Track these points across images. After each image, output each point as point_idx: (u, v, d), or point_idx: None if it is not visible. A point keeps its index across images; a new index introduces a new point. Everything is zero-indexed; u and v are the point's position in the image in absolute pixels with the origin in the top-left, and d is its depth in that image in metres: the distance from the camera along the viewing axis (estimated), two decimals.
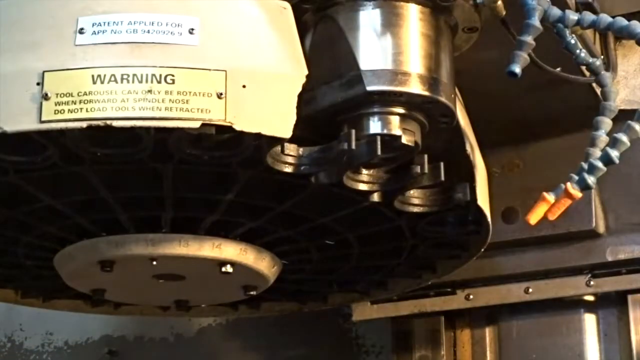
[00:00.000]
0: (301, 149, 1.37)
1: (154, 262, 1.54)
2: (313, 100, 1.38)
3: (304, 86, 1.32)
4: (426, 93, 1.40)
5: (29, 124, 1.25)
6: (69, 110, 1.24)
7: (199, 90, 1.26)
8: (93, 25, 1.29)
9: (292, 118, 1.30)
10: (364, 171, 1.44)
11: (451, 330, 2.01)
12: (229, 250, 1.56)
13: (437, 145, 1.47)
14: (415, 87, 1.39)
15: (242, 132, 1.27)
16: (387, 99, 1.39)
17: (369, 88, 1.37)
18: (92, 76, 1.25)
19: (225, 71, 1.28)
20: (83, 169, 1.37)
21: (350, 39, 1.40)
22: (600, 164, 1.37)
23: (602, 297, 1.89)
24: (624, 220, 1.84)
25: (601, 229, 1.84)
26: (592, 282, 1.85)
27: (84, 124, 1.24)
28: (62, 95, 1.25)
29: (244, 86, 1.28)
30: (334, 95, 1.39)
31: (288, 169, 1.37)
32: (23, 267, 1.71)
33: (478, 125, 1.59)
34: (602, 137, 1.40)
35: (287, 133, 1.30)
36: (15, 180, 1.40)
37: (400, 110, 1.40)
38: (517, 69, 1.35)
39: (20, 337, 2.60)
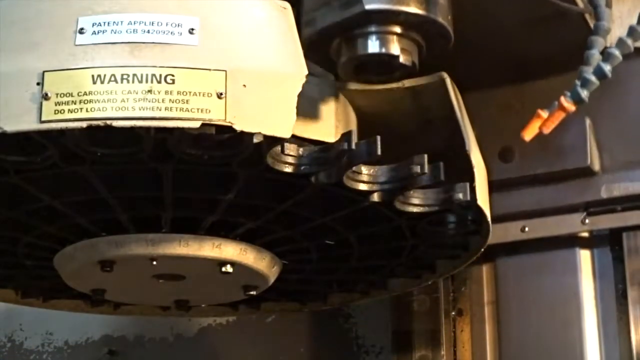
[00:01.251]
0: (301, 149, 1.37)
1: (154, 262, 1.54)
2: (313, 22, 1.40)
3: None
4: (424, 12, 1.41)
5: (29, 124, 1.25)
6: (69, 110, 1.24)
7: (199, 90, 1.26)
8: (93, 25, 1.29)
9: (292, 118, 1.30)
10: (364, 171, 1.44)
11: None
12: (229, 250, 1.56)
13: (437, 145, 1.47)
14: (413, 6, 1.40)
15: (242, 132, 1.27)
16: (385, 18, 1.40)
17: (367, 7, 1.39)
18: (92, 76, 1.25)
19: (225, 71, 1.28)
20: (83, 169, 1.37)
21: None
22: (593, 78, 1.39)
23: (597, 235, 1.90)
24: (619, 158, 1.84)
25: (596, 166, 1.85)
26: (587, 220, 1.86)
27: (84, 124, 1.24)
28: (62, 95, 1.25)
29: (244, 86, 1.28)
30: (333, 16, 1.41)
31: (288, 169, 1.37)
32: (23, 267, 1.71)
33: (476, 64, 1.59)
34: (596, 55, 1.42)
35: (287, 133, 1.30)
36: (15, 180, 1.40)
37: (398, 30, 1.41)
38: None
39: (20, 337, 2.60)
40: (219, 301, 1.89)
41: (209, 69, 1.28)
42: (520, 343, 1.92)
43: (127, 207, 1.48)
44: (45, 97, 1.25)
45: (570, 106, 1.39)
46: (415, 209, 1.52)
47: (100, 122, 1.24)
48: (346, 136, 1.34)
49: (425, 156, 1.42)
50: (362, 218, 1.54)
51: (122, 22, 1.29)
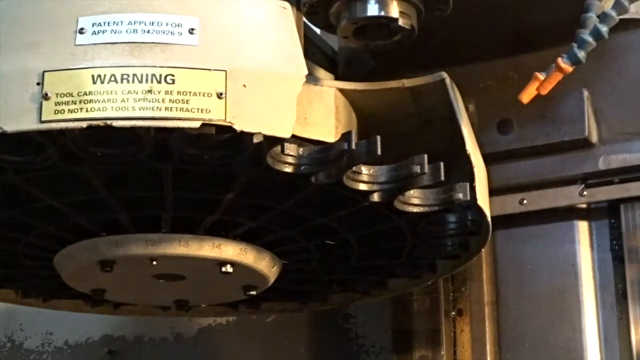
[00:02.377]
0: (301, 149, 1.37)
1: (154, 262, 1.54)
2: None
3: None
4: None
5: (29, 124, 1.25)
6: (69, 110, 1.24)
7: (199, 90, 1.26)
8: (93, 25, 1.29)
9: (292, 118, 1.30)
10: (364, 171, 1.44)
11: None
12: (229, 250, 1.56)
13: (437, 145, 1.47)
14: None
15: (242, 132, 1.27)
16: None
17: None
18: (92, 76, 1.26)
19: (225, 71, 1.28)
20: (83, 169, 1.37)
21: None
22: (590, 39, 1.40)
23: (595, 208, 1.90)
24: (616, 129, 1.84)
25: (594, 138, 1.84)
26: (585, 192, 1.86)
27: (84, 124, 1.24)
28: (62, 95, 1.25)
29: (244, 86, 1.28)
30: None
31: (288, 169, 1.37)
32: (23, 267, 1.71)
33: (473, 37, 1.58)
34: (593, 17, 1.43)
35: (287, 133, 1.30)
36: (15, 180, 1.40)
37: None
38: None
39: (20, 337, 2.60)
40: (219, 301, 1.89)
41: (209, 69, 1.28)
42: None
43: (127, 207, 1.48)
44: (45, 97, 1.25)
45: (568, 67, 1.39)
46: (415, 209, 1.51)
47: (100, 122, 1.24)
48: (346, 136, 1.34)
49: (425, 156, 1.42)
50: (362, 218, 1.54)
51: (122, 22, 1.29)
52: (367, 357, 2.23)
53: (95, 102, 1.24)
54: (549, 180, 1.89)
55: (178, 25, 1.29)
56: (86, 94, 1.25)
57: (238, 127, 1.27)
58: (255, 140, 1.29)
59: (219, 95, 1.27)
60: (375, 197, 1.47)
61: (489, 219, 1.58)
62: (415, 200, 1.51)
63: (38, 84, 1.25)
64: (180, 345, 2.41)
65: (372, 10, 1.41)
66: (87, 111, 1.24)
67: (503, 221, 1.92)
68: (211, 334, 2.38)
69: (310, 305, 1.99)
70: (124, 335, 2.47)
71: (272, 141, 1.32)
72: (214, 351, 2.37)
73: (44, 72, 1.26)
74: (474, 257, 1.71)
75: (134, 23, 1.29)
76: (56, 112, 1.24)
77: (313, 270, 1.76)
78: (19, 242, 1.61)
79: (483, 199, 1.54)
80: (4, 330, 2.62)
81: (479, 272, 1.98)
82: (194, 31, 1.29)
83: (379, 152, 1.34)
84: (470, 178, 1.50)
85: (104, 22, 1.29)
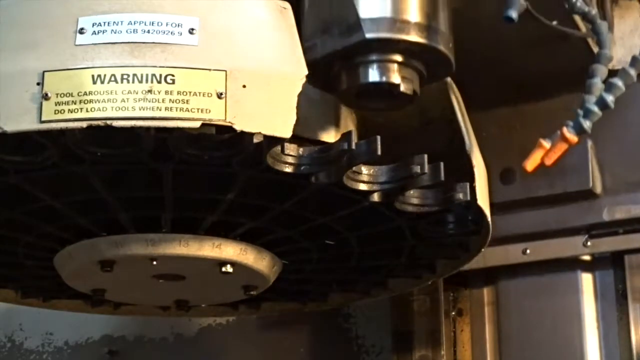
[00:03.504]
0: (301, 149, 1.37)
1: (154, 262, 1.54)
2: (313, 48, 1.39)
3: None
4: (425, 41, 1.40)
5: (29, 124, 1.25)
6: (69, 110, 1.24)
7: (199, 90, 1.26)
8: (93, 25, 1.29)
9: (292, 118, 1.30)
10: (364, 171, 1.44)
11: (449, 292, 2.01)
12: (229, 250, 1.56)
13: (437, 145, 1.47)
14: (414, 35, 1.40)
15: (242, 132, 1.27)
16: (386, 47, 1.39)
17: (368, 35, 1.38)
18: (92, 76, 1.25)
19: (225, 71, 1.28)
20: (83, 169, 1.37)
21: None
22: (595, 109, 1.38)
23: (599, 258, 1.89)
24: (621, 180, 1.84)
25: (598, 189, 1.84)
26: (589, 243, 1.86)
27: (84, 124, 1.24)
28: (62, 95, 1.25)
29: (244, 86, 1.28)
30: (333, 44, 1.40)
31: (288, 169, 1.37)
32: (23, 267, 1.71)
33: (476, 85, 1.59)
34: (598, 84, 1.41)
35: (287, 133, 1.30)
36: (15, 180, 1.40)
37: (399, 58, 1.40)
38: (514, 14, 1.35)
39: (20, 337, 2.60)
40: (219, 301, 1.89)
41: (209, 69, 1.28)
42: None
43: (127, 207, 1.47)
44: (45, 97, 1.25)
45: (573, 137, 1.37)
46: (415, 209, 1.51)
47: (100, 122, 1.24)
48: (346, 136, 1.34)
49: (425, 156, 1.42)
50: (362, 218, 1.54)
51: (122, 22, 1.29)
52: (367, 357, 2.23)
53: (95, 102, 1.24)
54: (553, 231, 1.88)
55: (178, 25, 1.29)
56: (86, 94, 1.25)
57: (238, 127, 1.27)
58: (255, 140, 1.29)
59: (219, 95, 1.27)
60: (375, 197, 1.47)
61: (489, 219, 1.58)
62: (415, 200, 1.51)
63: (38, 84, 1.25)
64: (180, 345, 2.41)
65: (374, 76, 1.40)
66: (87, 111, 1.24)
67: (506, 271, 1.92)
68: (211, 334, 2.38)
69: (310, 305, 1.99)
70: (124, 335, 2.47)
71: (272, 141, 1.32)
72: (214, 351, 2.37)
73: (44, 72, 1.26)
74: (474, 257, 1.71)
75: (134, 23, 1.29)
76: (56, 112, 1.24)
77: (313, 270, 1.76)
78: (19, 242, 1.61)
79: (483, 199, 1.54)
80: (4, 330, 2.62)
81: (481, 322, 1.98)
82: (194, 31, 1.29)
83: (379, 152, 1.34)
84: (470, 178, 1.50)
85: (104, 22, 1.29)
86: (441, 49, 1.42)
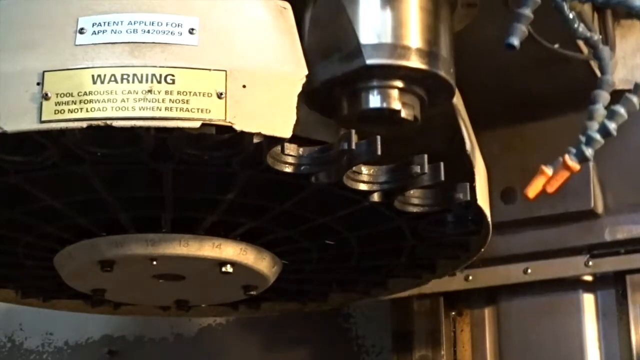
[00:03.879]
0: (301, 149, 1.37)
1: (154, 262, 1.54)
2: (313, 74, 1.39)
3: (304, 86, 1.32)
4: (425, 67, 1.40)
5: (29, 124, 1.25)
6: (69, 110, 1.24)
7: (199, 90, 1.26)
8: (93, 25, 1.29)
9: (292, 118, 1.30)
10: (364, 171, 1.44)
11: (450, 311, 2.01)
12: (229, 250, 1.56)
13: (437, 145, 1.47)
14: (415, 61, 1.39)
15: (242, 132, 1.27)
16: (387, 73, 1.39)
17: (369, 62, 1.38)
18: (92, 76, 1.25)
19: (225, 71, 1.28)
20: (83, 169, 1.37)
21: (350, 13, 1.40)
22: (598, 136, 1.37)
23: (601, 277, 1.89)
24: (623, 200, 1.84)
25: (600, 209, 1.84)
26: (590, 263, 1.86)
27: (84, 124, 1.24)
28: (62, 95, 1.25)
29: (244, 86, 1.28)
30: (333, 69, 1.40)
31: (288, 169, 1.37)
32: (23, 267, 1.71)
33: (477, 104, 1.59)
34: (600, 110, 1.40)
35: (287, 133, 1.30)
36: (15, 180, 1.40)
37: (400, 84, 1.40)
38: (516, 41, 1.35)
39: (20, 337, 2.60)
40: (219, 301, 1.89)
41: (209, 69, 1.28)
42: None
43: (127, 207, 1.47)
44: (45, 97, 1.25)
45: (575, 165, 1.36)
46: (415, 209, 1.52)
47: (100, 122, 1.24)
48: (346, 136, 1.34)
49: (425, 156, 1.42)
50: (362, 218, 1.54)
51: (122, 22, 1.29)
52: (367, 357, 2.23)
53: (95, 102, 1.24)
54: (554, 251, 1.88)
55: (178, 25, 1.29)
56: (86, 94, 1.25)
57: (238, 127, 1.27)
58: (255, 140, 1.29)
59: (219, 95, 1.27)
60: (375, 197, 1.47)
61: (489, 219, 1.58)
62: (415, 200, 1.51)
63: (38, 84, 1.25)
64: (180, 345, 2.41)
65: (375, 102, 1.39)
66: (87, 111, 1.24)
67: (507, 291, 1.92)
68: (211, 334, 2.38)
69: (310, 305, 1.99)
70: (124, 335, 2.47)
71: (272, 141, 1.32)
72: (214, 351, 2.37)
73: (44, 72, 1.26)
74: (473, 257, 1.71)
75: (134, 23, 1.29)
76: (56, 112, 1.24)
77: (313, 270, 1.76)
78: (19, 242, 1.60)
79: (483, 199, 1.54)
80: (4, 330, 2.62)
81: (482, 342, 1.98)
82: (194, 31, 1.29)
83: (379, 152, 1.34)
84: (470, 178, 1.50)
85: (104, 22, 1.29)
86: (442, 74, 1.41)
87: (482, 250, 1.68)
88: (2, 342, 2.62)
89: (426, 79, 1.41)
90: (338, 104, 1.40)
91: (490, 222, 1.59)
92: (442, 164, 1.44)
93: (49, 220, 1.52)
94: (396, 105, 1.39)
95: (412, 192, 1.50)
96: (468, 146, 1.51)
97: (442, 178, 1.43)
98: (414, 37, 1.40)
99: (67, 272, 1.62)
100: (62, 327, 2.54)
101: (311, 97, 1.37)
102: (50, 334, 2.57)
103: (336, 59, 1.40)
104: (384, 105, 1.39)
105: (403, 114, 1.39)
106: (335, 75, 1.40)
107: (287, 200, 1.47)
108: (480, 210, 1.53)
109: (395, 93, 1.40)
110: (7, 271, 1.76)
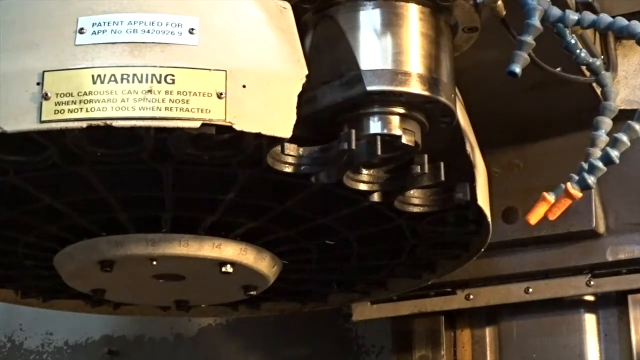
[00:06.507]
0: (301, 149, 1.37)
1: (154, 262, 1.54)
2: (313, 100, 1.39)
3: (304, 86, 1.32)
4: (426, 93, 1.40)
5: (29, 124, 1.25)
6: (69, 110, 1.24)
7: (199, 90, 1.26)
8: (93, 25, 1.29)
9: (292, 118, 1.30)
10: (364, 171, 1.44)
11: (451, 330, 2.01)
12: (229, 250, 1.56)
13: (437, 145, 1.47)
14: (416, 87, 1.39)
15: (242, 132, 1.27)
16: (387, 99, 1.39)
17: (369, 88, 1.38)
18: (92, 76, 1.25)
19: (225, 71, 1.28)
20: (83, 169, 1.37)
21: (350, 39, 1.40)
22: (600, 164, 1.37)
23: (602, 297, 1.89)
24: (624, 220, 1.84)
25: (601, 229, 1.84)
26: (592, 282, 1.85)
27: (84, 124, 1.24)
28: (62, 95, 1.25)
29: (244, 86, 1.28)
30: (334, 95, 1.39)
31: (288, 169, 1.37)
32: (23, 267, 1.71)
33: (478, 125, 1.59)
34: (602, 137, 1.40)
35: (287, 133, 1.30)
36: (15, 180, 1.40)
37: (400, 110, 1.40)
38: (517, 69, 1.35)
39: (20, 337, 2.60)
40: (219, 301, 1.88)
41: (209, 69, 1.28)
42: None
43: (127, 207, 1.47)
44: (45, 97, 1.25)
45: (577, 193, 1.36)
46: (415, 209, 1.52)
47: (100, 122, 1.24)
48: (346, 136, 1.34)
49: (425, 156, 1.42)
50: (362, 218, 1.54)
51: (122, 22, 1.29)
52: (367, 357, 2.23)
53: (95, 102, 1.24)
54: (555, 270, 1.88)
55: (178, 25, 1.29)
56: (86, 94, 1.25)
57: (238, 127, 1.27)
58: (255, 140, 1.29)
59: (219, 95, 1.27)
60: (375, 197, 1.47)
61: (489, 219, 1.58)
62: (415, 200, 1.51)
63: (38, 84, 1.25)
64: (180, 345, 2.41)
65: (375, 128, 1.39)
66: (87, 111, 1.24)
67: (508, 310, 1.92)
68: (211, 334, 2.38)
69: (310, 305, 1.99)
70: (124, 335, 2.47)
71: (272, 141, 1.32)
72: (214, 351, 2.37)
73: (43, 72, 1.26)
74: (473, 257, 1.71)
75: (134, 23, 1.29)
76: (56, 112, 1.24)
77: (313, 270, 1.76)
78: (19, 242, 1.60)
79: (483, 199, 1.54)
80: (4, 330, 2.62)
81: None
82: (194, 31, 1.29)
83: (379, 152, 1.34)
84: (470, 178, 1.50)
85: (104, 22, 1.29)
86: (443, 100, 1.41)
87: (482, 250, 1.68)
88: (2, 342, 2.62)
89: (427, 105, 1.41)
90: (338, 131, 1.39)
91: (490, 222, 1.59)
92: (442, 164, 1.44)
93: (49, 220, 1.52)
94: (397, 131, 1.39)
95: (412, 192, 1.50)
96: (468, 146, 1.51)
97: (442, 178, 1.43)
98: (415, 63, 1.40)
99: (67, 272, 1.62)
100: (62, 327, 2.54)
101: (311, 124, 1.37)
102: (50, 334, 2.57)
103: (337, 85, 1.39)
104: (385, 131, 1.39)
105: (404, 140, 1.39)
106: (336, 101, 1.39)
107: (287, 200, 1.47)
108: (480, 210, 1.53)
109: (396, 119, 1.40)
110: (7, 271, 1.76)
